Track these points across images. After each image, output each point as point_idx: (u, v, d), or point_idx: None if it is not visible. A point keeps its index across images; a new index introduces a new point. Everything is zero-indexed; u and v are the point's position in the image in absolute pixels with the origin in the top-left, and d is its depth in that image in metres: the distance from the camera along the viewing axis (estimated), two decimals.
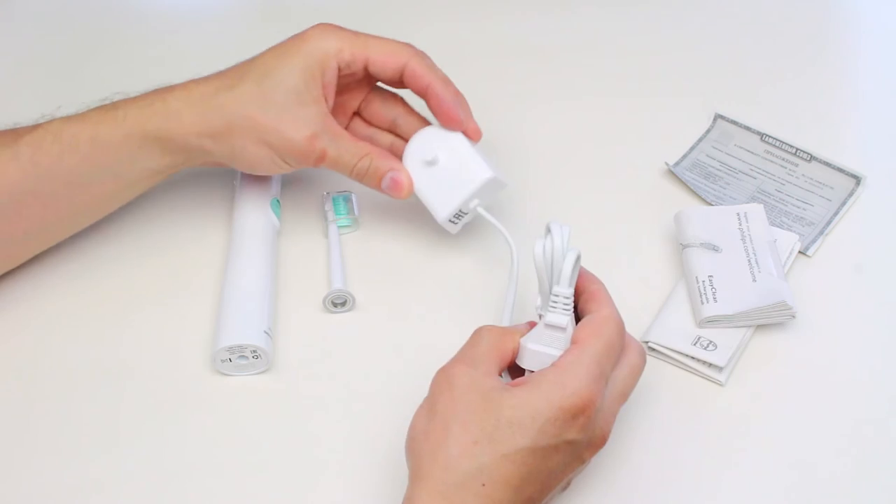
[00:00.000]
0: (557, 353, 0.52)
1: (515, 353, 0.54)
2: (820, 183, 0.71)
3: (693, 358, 0.61)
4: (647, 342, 0.62)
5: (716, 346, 0.60)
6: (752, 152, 0.74)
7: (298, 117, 0.62)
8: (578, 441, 0.50)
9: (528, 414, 0.49)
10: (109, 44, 0.86)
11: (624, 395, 0.53)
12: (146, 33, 0.88)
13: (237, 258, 0.65)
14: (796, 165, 0.72)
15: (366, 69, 0.64)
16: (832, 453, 0.58)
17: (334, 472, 0.58)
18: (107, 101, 0.63)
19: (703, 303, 0.62)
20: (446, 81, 0.65)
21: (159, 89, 0.63)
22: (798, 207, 0.70)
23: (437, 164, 0.65)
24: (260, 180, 0.70)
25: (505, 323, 0.60)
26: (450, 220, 0.65)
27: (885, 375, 0.61)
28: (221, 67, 0.79)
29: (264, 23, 0.88)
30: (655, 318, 0.63)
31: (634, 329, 0.60)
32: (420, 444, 0.51)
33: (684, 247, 0.65)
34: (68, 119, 0.62)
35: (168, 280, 0.67)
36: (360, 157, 0.64)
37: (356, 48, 0.63)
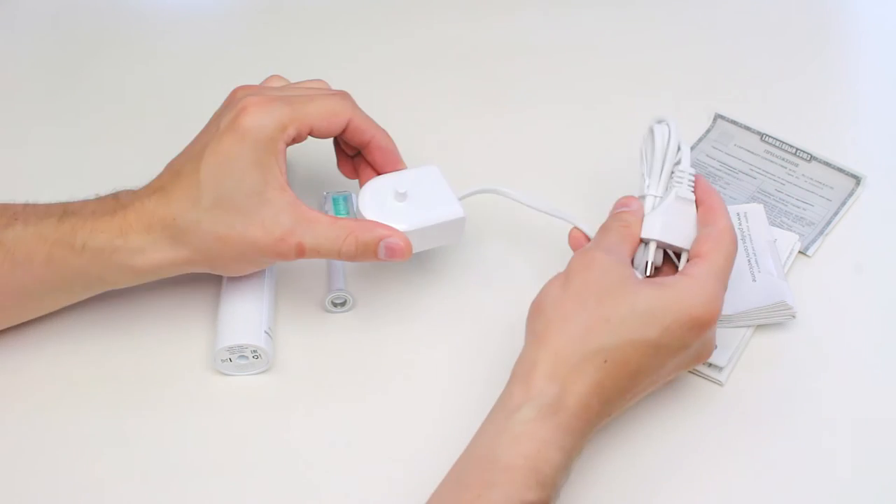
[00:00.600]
0: (688, 226, 0.57)
1: (639, 240, 0.58)
2: (820, 183, 0.71)
3: None
4: None
5: (715, 346, 0.60)
6: (752, 152, 0.74)
7: (266, 220, 0.57)
8: (693, 349, 0.54)
9: (660, 309, 0.53)
10: (109, 44, 0.86)
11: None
12: (146, 33, 0.88)
13: None
14: (796, 165, 0.72)
15: (310, 135, 0.61)
16: (832, 453, 0.58)
17: (335, 472, 0.58)
18: (69, 207, 0.60)
19: None
20: (383, 131, 0.63)
21: (116, 216, 0.58)
22: (798, 207, 0.70)
23: (408, 196, 0.61)
24: None
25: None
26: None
27: (885, 375, 0.61)
28: (221, 67, 0.79)
29: (264, 23, 0.88)
30: None
31: None
32: (551, 310, 0.54)
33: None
34: (25, 232, 0.58)
35: (168, 280, 0.67)
36: (343, 239, 0.58)
37: (298, 122, 0.59)
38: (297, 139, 0.60)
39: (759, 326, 0.62)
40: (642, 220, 0.59)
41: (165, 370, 0.62)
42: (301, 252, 0.58)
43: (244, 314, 0.62)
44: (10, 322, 0.63)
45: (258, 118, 0.57)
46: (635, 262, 0.58)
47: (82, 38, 0.87)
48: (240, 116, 0.58)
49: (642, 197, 0.60)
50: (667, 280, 0.54)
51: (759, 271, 0.62)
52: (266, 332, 0.61)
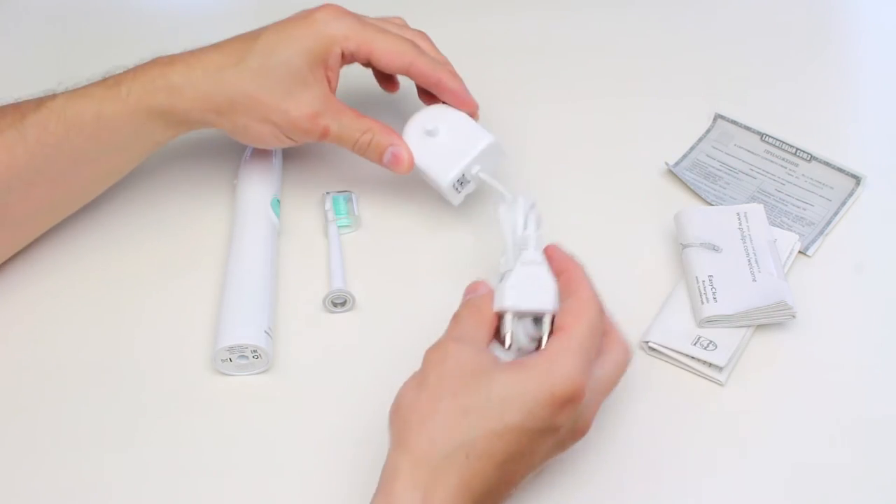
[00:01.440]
0: (543, 287, 0.54)
1: (495, 320, 0.54)
2: (820, 183, 0.71)
3: (693, 358, 0.61)
4: (647, 342, 0.62)
5: (716, 346, 0.60)
6: (752, 152, 0.74)
7: (301, 97, 0.63)
8: (564, 427, 0.51)
9: (519, 393, 0.49)
10: (109, 44, 0.86)
11: (607, 391, 0.53)
12: (146, 33, 0.88)
13: (237, 258, 0.65)
14: (796, 165, 0.72)
15: (368, 62, 0.65)
16: (832, 453, 0.58)
17: (335, 471, 0.58)
18: (108, 75, 0.64)
19: (703, 303, 0.62)
20: (452, 72, 0.67)
21: (159, 61, 0.63)
22: (798, 207, 0.70)
23: (438, 134, 0.67)
24: (260, 179, 0.70)
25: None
26: (453, 187, 0.66)
27: (884, 375, 0.61)
28: None
29: (264, 22, 0.88)
30: (655, 318, 0.63)
31: (634, 329, 0.60)
32: (407, 414, 0.51)
33: (684, 246, 0.65)
34: (71, 96, 0.62)
35: (168, 280, 0.67)
36: (363, 132, 0.65)
37: (362, 40, 0.64)
38: (356, 56, 0.64)
39: (759, 326, 0.62)
40: (491, 299, 0.55)
41: (165, 370, 0.62)
42: (324, 135, 0.64)
43: (244, 314, 0.62)
44: (75, 198, 0.66)
45: (330, 17, 0.64)
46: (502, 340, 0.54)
47: (82, 38, 0.87)
48: (314, 12, 0.64)
49: (502, 275, 0.57)
50: (527, 361, 0.51)
51: (760, 271, 0.62)
52: (266, 332, 0.61)
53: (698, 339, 0.61)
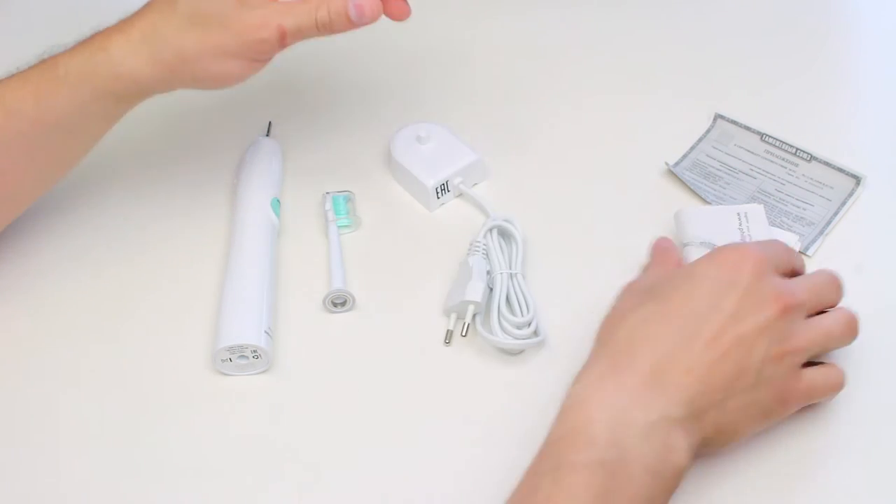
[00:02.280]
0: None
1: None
2: (820, 183, 0.71)
3: None
4: None
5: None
6: (753, 152, 0.74)
7: (243, 15, 0.59)
8: (742, 293, 0.52)
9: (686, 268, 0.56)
10: None
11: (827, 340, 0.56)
12: None
13: (237, 258, 0.65)
14: (796, 165, 0.72)
15: None
16: (832, 453, 0.58)
17: (335, 472, 0.58)
18: (45, 55, 0.62)
19: None
20: None
21: (96, 36, 0.61)
22: (798, 207, 0.70)
23: (427, 143, 0.71)
24: (260, 179, 0.70)
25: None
26: (435, 193, 0.69)
27: (884, 375, 0.61)
28: None
29: None
30: None
31: None
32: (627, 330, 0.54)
33: (684, 246, 0.65)
34: (8, 81, 0.61)
35: (168, 280, 0.67)
36: (316, 8, 0.60)
37: None
38: None
39: None
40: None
41: (165, 370, 0.62)
42: (283, 35, 0.59)
43: (244, 314, 0.62)
44: (30, 187, 0.64)
45: None
46: None
47: (82, 37, 0.87)
48: None
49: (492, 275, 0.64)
50: None
51: None
52: (266, 332, 0.61)
53: None
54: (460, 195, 0.71)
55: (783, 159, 0.73)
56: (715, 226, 0.65)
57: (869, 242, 0.69)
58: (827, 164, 0.71)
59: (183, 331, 0.64)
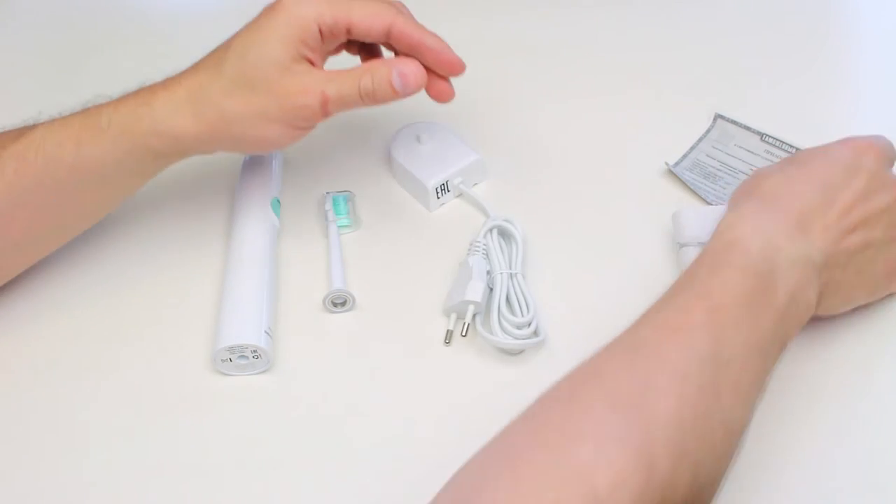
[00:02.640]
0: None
1: None
2: None
3: None
4: None
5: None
6: (753, 152, 0.74)
7: (288, 81, 0.59)
8: (870, 177, 0.57)
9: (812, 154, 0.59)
10: (109, 44, 0.86)
11: None
12: (146, 33, 0.88)
13: (237, 258, 0.65)
14: None
15: (348, 32, 0.61)
16: (831, 453, 0.58)
17: (334, 472, 0.58)
18: (89, 104, 0.62)
19: None
20: (433, 34, 0.63)
21: (141, 91, 0.61)
22: None
23: (427, 143, 0.71)
24: (260, 180, 0.70)
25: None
26: (435, 192, 0.69)
27: (883, 375, 0.61)
28: None
29: None
30: None
31: None
32: (779, 183, 0.58)
33: (682, 246, 0.65)
34: (51, 126, 0.61)
35: (168, 280, 0.67)
36: (359, 77, 0.60)
37: (337, 11, 0.60)
38: (335, 31, 0.60)
39: None
40: None
41: (165, 370, 0.62)
42: (325, 101, 0.59)
43: (244, 314, 0.62)
44: (59, 232, 0.65)
45: (296, 1, 0.60)
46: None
47: (82, 38, 0.88)
48: (280, 1, 0.60)
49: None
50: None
51: None
52: (266, 332, 0.61)
53: None
54: (460, 195, 0.71)
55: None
56: (712, 225, 0.65)
57: None
58: None
59: (183, 331, 0.64)
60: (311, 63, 0.60)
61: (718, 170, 0.73)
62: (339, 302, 0.65)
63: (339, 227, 0.69)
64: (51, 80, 0.84)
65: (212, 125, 0.60)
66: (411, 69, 0.60)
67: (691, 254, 0.64)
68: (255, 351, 0.61)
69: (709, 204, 0.70)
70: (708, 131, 0.76)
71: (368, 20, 0.61)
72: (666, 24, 0.87)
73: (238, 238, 0.67)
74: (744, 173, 0.72)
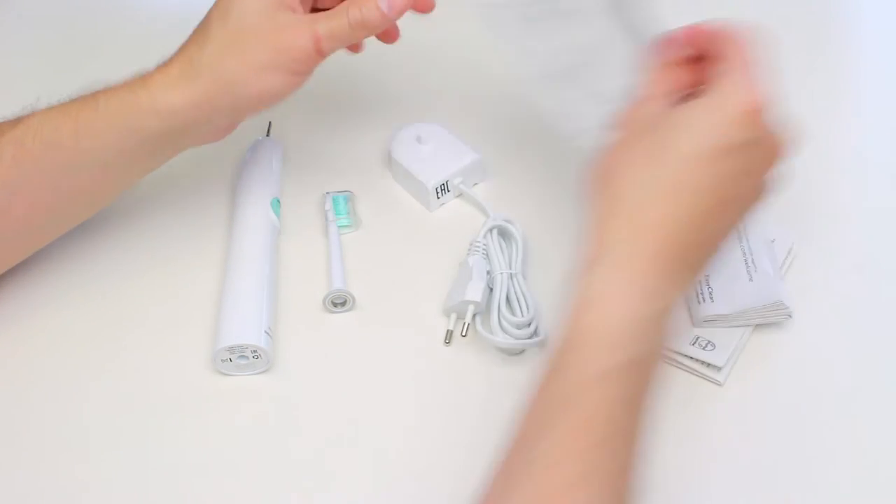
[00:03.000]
0: None
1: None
2: None
3: (692, 358, 0.61)
4: None
5: (714, 346, 0.60)
6: None
7: (277, 27, 0.59)
8: (756, 139, 0.51)
9: (696, 120, 0.51)
10: (109, 44, 0.86)
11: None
12: (146, 33, 0.88)
13: (237, 258, 0.65)
14: None
15: None
16: (831, 452, 0.58)
17: (334, 471, 0.58)
18: (86, 91, 0.62)
19: (700, 302, 0.62)
20: None
21: (137, 78, 0.61)
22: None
23: (428, 143, 0.71)
24: (260, 180, 0.70)
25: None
26: (435, 192, 0.69)
27: (883, 375, 0.61)
28: None
29: None
30: None
31: None
32: (600, 175, 0.54)
33: None
34: (48, 112, 0.61)
35: (168, 280, 0.68)
36: (347, 9, 0.60)
37: None
38: None
39: (757, 326, 0.62)
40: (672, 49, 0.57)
41: (165, 370, 0.62)
42: (318, 40, 0.59)
43: (244, 314, 0.62)
44: (58, 219, 0.64)
45: None
46: None
47: (82, 38, 0.88)
48: None
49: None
50: (703, 92, 0.53)
51: (756, 271, 0.62)
52: (266, 332, 0.62)
53: (696, 339, 0.61)
54: (460, 195, 0.71)
55: None
56: None
57: (869, 242, 0.69)
58: None
59: (183, 331, 0.64)
60: (293, 11, 0.61)
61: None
62: (339, 302, 0.65)
63: (339, 227, 0.69)
64: (51, 80, 0.84)
65: (208, 91, 0.59)
66: None
67: None
68: (255, 351, 0.61)
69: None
70: None
71: None
72: (667, 23, 0.87)
73: (238, 238, 0.67)
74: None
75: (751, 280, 0.62)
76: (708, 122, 0.51)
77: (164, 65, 0.61)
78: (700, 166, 0.50)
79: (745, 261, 0.63)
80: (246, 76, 0.59)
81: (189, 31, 0.88)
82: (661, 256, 0.50)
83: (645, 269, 0.49)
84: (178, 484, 0.57)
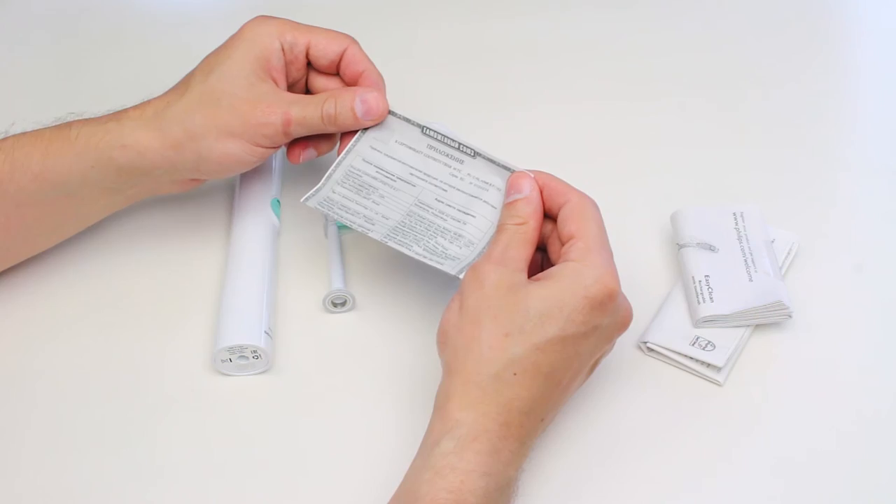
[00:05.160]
0: None
1: (536, 238, 0.56)
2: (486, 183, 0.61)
3: (692, 358, 0.61)
4: (645, 343, 0.62)
5: (714, 347, 0.60)
6: (415, 150, 0.62)
7: (252, 97, 0.60)
8: (606, 325, 0.54)
9: (556, 305, 0.52)
10: (109, 44, 0.86)
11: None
12: (146, 33, 0.88)
13: (237, 258, 0.65)
14: (461, 163, 0.62)
15: (307, 54, 0.63)
16: (831, 453, 0.58)
17: (335, 471, 0.58)
18: (61, 121, 0.62)
19: (699, 303, 0.62)
20: (378, 72, 0.64)
21: (114, 112, 0.62)
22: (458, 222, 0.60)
23: None
24: (260, 180, 0.70)
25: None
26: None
27: (882, 375, 0.61)
28: None
29: None
30: (653, 319, 0.63)
31: (633, 330, 0.60)
32: (454, 339, 0.54)
33: (681, 247, 0.65)
34: (23, 136, 0.61)
35: (168, 279, 0.68)
36: (323, 100, 0.61)
37: (297, 30, 0.62)
38: (294, 49, 0.62)
39: (757, 327, 0.62)
40: (539, 209, 0.57)
41: (165, 370, 0.62)
42: (288, 122, 0.60)
43: (244, 314, 0.62)
44: (22, 244, 0.64)
45: (258, 23, 0.62)
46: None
47: (82, 37, 0.88)
48: (244, 25, 0.62)
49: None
50: (553, 272, 0.54)
51: (756, 271, 0.62)
52: (266, 332, 0.62)
53: (696, 339, 0.61)
54: None
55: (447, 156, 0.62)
56: (711, 226, 0.65)
57: (869, 242, 0.69)
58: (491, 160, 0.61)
59: (183, 331, 0.64)
60: (275, 83, 0.62)
61: (374, 178, 0.62)
62: (339, 302, 0.65)
63: (339, 227, 0.69)
64: (51, 80, 0.84)
65: (176, 141, 0.60)
66: (374, 96, 0.61)
67: (690, 254, 0.64)
68: (255, 351, 0.61)
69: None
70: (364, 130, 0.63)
71: (326, 40, 0.63)
72: (666, 23, 0.87)
73: (238, 238, 0.67)
74: (403, 182, 0.62)
75: (751, 280, 0.62)
76: (565, 307, 0.52)
77: (143, 104, 0.62)
78: (554, 350, 0.52)
79: (745, 261, 0.63)
80: (211, 136, 0.60)
81: (190, 32, 0.89)
82: (505, 437, 0.51)
83: (490, 450, 0.51)
84: (178, 484, 0.57)
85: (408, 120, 0.63)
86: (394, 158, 0.63)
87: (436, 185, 0.62)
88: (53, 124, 0.62)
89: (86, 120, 0.62)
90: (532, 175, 0.58)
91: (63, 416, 0.61)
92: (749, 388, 0.60)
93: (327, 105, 0.61)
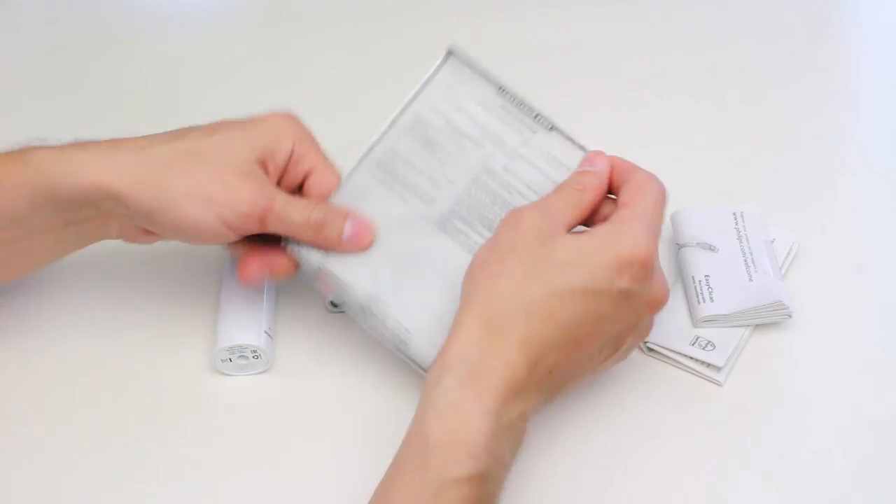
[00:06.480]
0: None
1: (590, 208, 0.55)
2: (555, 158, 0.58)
3: (692, 358, 0.61)
4: (645, 343, 0.62)
5: (714, 346, 0.60)
6: (487, 108, 0.59)
7: (243, 174, 0.56)
8: (632, 292, 0.52)
9: (583, 255, 0.51)
10: (109, 44, 0.86)
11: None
12: (146, 33, 0.88)
13: None
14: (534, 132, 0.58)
15: (306, 175, 0.60)
16: (831, 453, 0.58)
17: (334, 471, 0.58)
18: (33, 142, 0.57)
19: (699, 302, 0.62)
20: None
21: (81, 141, 0.57)
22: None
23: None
24: None
25: None
26: None
27: (882, 375, 0.61)
28: (221, 67, 0.79)
29: (265, 23, 0.88)
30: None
31: None
32: (476, 274, 0.53)
33: (681, 247, 0.65)
34: None
35: (168, 279, 0.68)
36: (314, 207, 0.57)
37: (311, 150, 0.59)
38: (300, 164, 0.59)
39: (757, 326, 0.62)
40: (603, 187, 0.56)
41: (165, 371, 0.62)
42: (269, 210, 0.56)
43: (244, 314, 0.62)
44: None
45: (283, 119, 0.59)
46: None
47: (82, 38, 0.88)
48: (267, 114, 0.59)
49: None
50: (594, 229, 0.53)
51: (756, 271, 0.62)
52: (266, 332, 0.62)
53: (696, 339, 0.61)
54: None
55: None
56: (711, 226, 0.65)
57: (869, 242, 0.69)
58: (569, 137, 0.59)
59: (183, 331, 0.64)
60: (268, 174, 0.58)
61: (441, 132, 0.57)
62: (339, 302, 0.65)
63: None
64: (51, 81, 0.84)
65: (141, 178, 0.55)
66: (366, 225, 0.58)
67: (689, 254, 0.64)
68: (254, 351, 0.61)
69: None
70: (437, 71, 0.58)
71: (322, 178, 0.59)
72: (666, 24, 0.87)
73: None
74: (472, 142, 0.58)
75: (751, 280, 0.62)
76: (592, 260, 0.51)
77: (117, 139, 0.57)
78: (572, 301, 0.51)
79: (745, 261, 0.63)
80: (181, 190, 0.55)
81: (190, 32, 0.89)
82: (509, 379, 0.49)
83: (493, 390, 0.49)
84: (178, 484, 0.57)
85: (484, 74, 0.58)
86: (464, 113, 0.57)
87: (504, 153, 0.57)
88: (19, 147, 0.57)
89: (48, 146, 0.56)
90: (608, 157, 0.57)
91: (63, 416, 0.61)
92: (749, 388, 0.60)
93: (315, 215, 0.57)
